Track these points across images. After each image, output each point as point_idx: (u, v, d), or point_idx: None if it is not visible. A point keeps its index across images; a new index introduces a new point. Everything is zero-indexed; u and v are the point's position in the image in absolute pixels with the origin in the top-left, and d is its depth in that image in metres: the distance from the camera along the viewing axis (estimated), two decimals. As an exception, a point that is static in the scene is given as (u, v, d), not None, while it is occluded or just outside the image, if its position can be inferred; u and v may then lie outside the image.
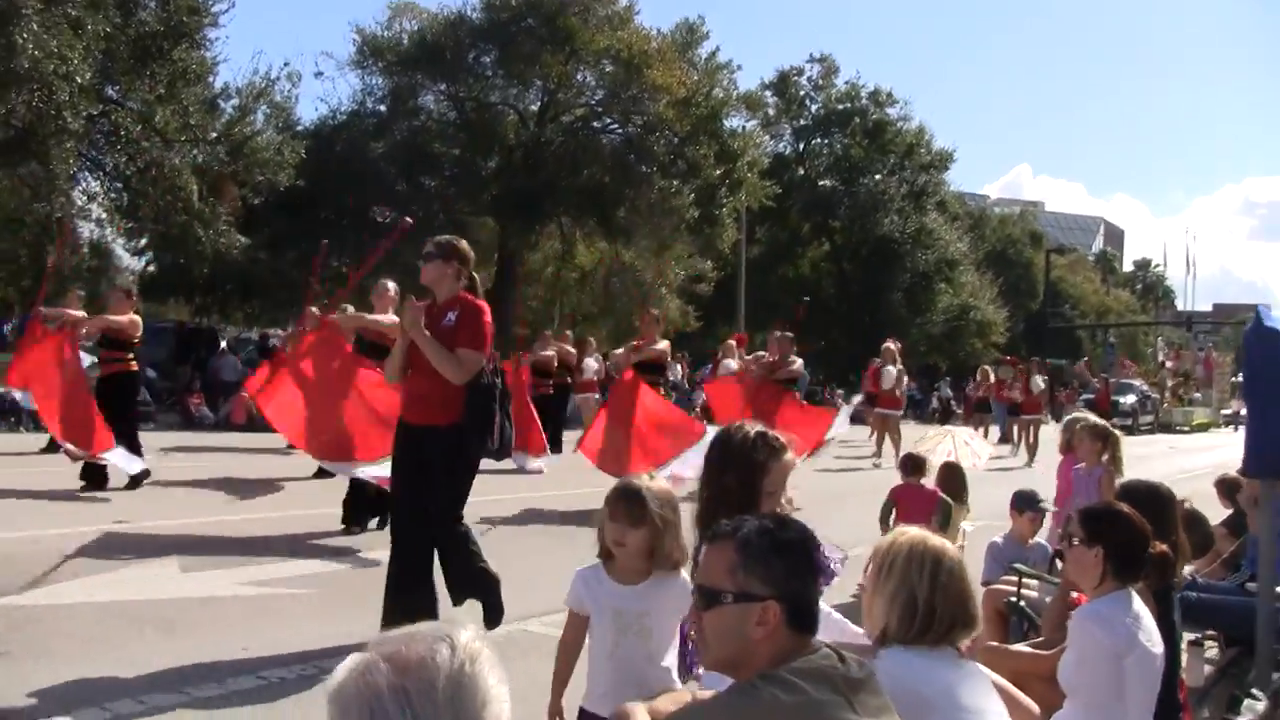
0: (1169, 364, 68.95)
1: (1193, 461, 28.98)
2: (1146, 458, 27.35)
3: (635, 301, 42.35)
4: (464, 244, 7.86)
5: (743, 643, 2.99)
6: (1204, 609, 6.70)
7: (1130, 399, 49.79)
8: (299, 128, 38.06)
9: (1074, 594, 5.96)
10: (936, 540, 3.80)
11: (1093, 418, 9.80)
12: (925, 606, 3.63)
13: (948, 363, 61.58)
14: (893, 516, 9.63)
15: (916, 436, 15.12)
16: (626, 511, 4.48)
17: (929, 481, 10.07)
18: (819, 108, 63.27)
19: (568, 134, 41.21)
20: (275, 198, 32.85)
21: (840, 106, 63.10)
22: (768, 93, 60.72)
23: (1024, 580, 7.11)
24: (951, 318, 62.08)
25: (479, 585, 7.73)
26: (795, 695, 2.81)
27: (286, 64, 37.76)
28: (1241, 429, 34.74)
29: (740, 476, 4.50)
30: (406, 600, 7.25)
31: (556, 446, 22.97)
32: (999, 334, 64.16)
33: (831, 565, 5.21)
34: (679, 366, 42.69)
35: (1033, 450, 27.89)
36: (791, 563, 3.05)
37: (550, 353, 24.27)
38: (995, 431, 32.38)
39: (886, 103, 63.70)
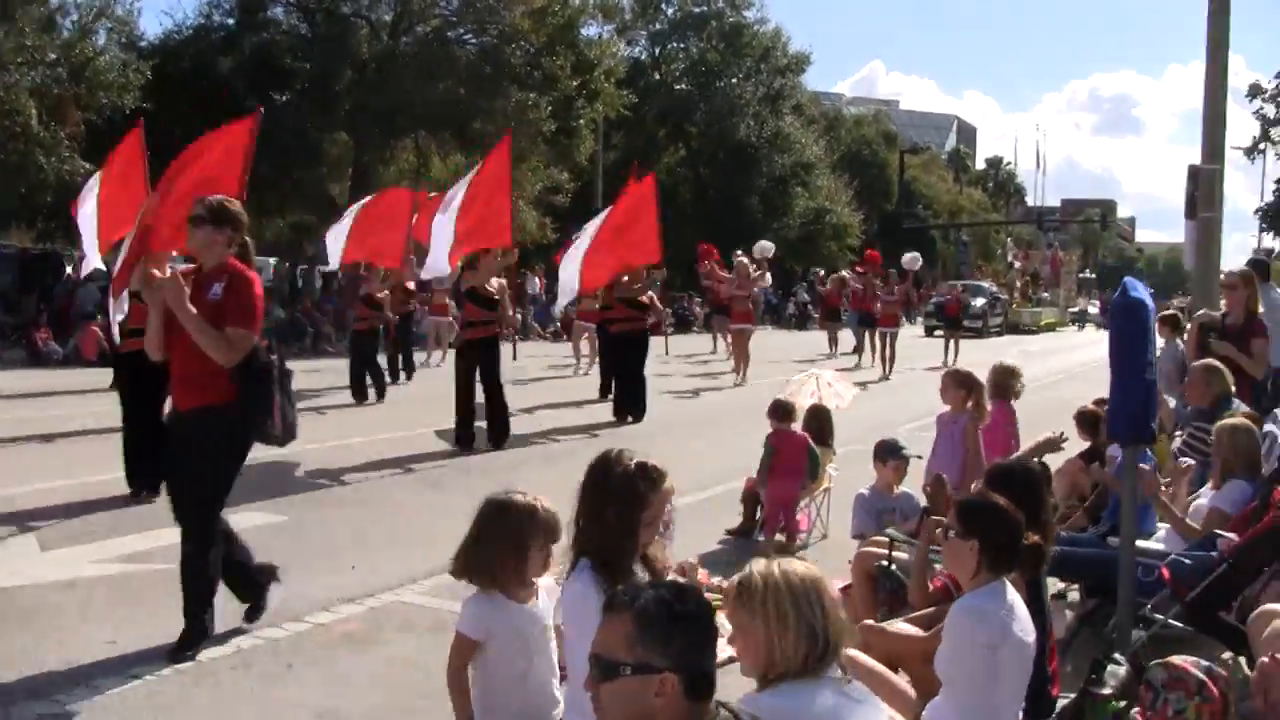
0: (1017, 264, 70.18)
1: (1045, 366, 29.69)
2: (997, 363, 27.62)
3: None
4: (236, 205, 7.13)
5: (641, 713, 3.01)
6: (1066, 561, 6.87)
7: (979, 301, 50.37)
8: (143, 44, 36.92)
9: (934, 555, 6.12)
10: (803, 566, 3.84)
11: (958, 368, 9.97)
12: (823, 635, 3.69)
13: (805, 266, 62.05)
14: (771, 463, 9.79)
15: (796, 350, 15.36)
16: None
17: (798, 426, 10.20)
18: (675, 11, 63.00)
19: (422, 45, 40.30)
20: (120, 119, 31.74)
21: (697, 9, 62.96)
22: (623, -3, 60.33)
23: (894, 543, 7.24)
24: (808, 221, 62.62)
25: (241, 582, 7.37)
26: None
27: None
28: (1088, 326, 36.22)
29: (620, 510, 4.48)
30: (199, 584, 6.96)
31: (409, 371, 23.48)
32: (855, 237, 64.80)
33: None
34: (536, 279, 42.61)
35: (889, 363, 28.05)
36: (689, 635, 3.06)
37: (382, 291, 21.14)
38: (851, 339, 32.66)
39: (743, 5, 63.67)
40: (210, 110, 36.22)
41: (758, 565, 3.82)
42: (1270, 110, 38.49)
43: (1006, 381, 9.61)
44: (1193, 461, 8.01)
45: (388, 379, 20.97)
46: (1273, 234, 40.92)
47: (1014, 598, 4.75)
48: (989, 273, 64.74)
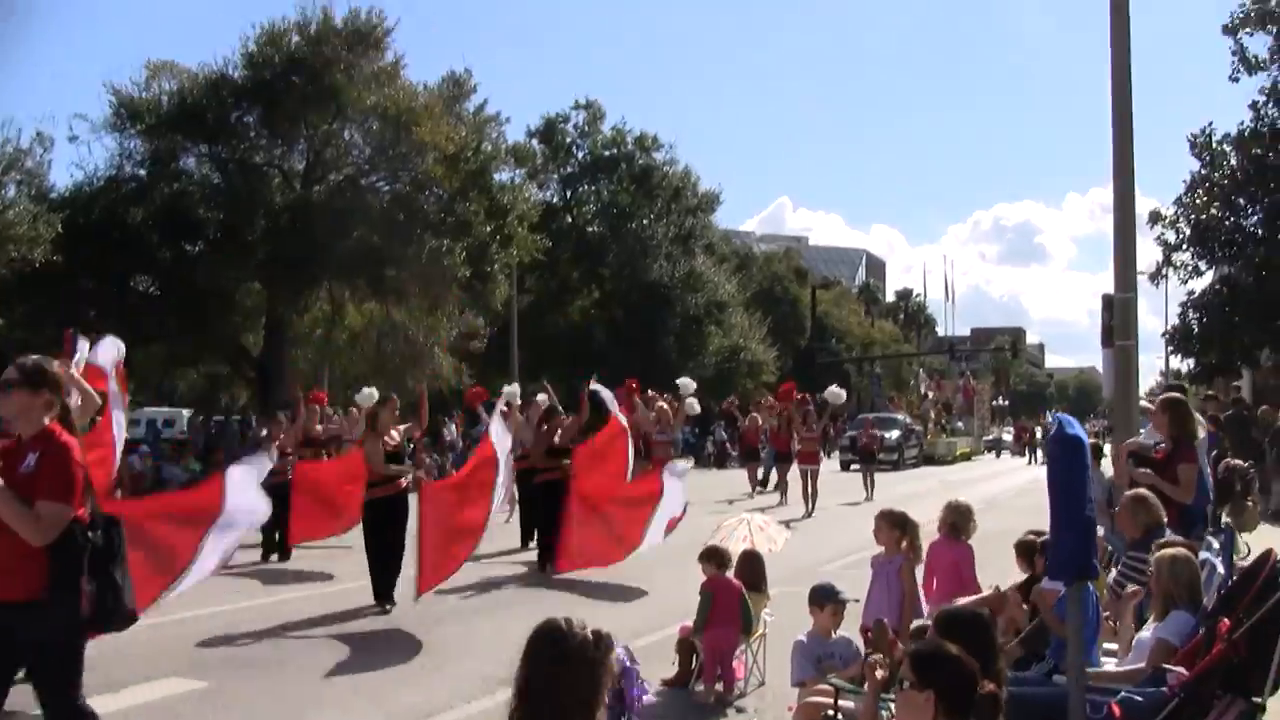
0: (930, 394, 70.65)
1: (967, 496, 29.65)
2: (919, 495, 27.74)
3: (407, 360, 41.92)
4: (55, 367, 6.48)
5: None
6: (1012, 702, 6.78)
7: (894, 433, 50.05)
8: (53, 196, 36.67)
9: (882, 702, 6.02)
10: None
11: (890, 509, 9.92)
12: None
13: (721, 405, 62.26)
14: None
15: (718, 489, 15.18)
16: None
17: (731, 572, 10.08)
18: (586, 155, 63.82)
19: (335, 194, 40.35)
20: (31, 273, 31.36)
21: (607, 152, 63.72)
22: (534, 141, 60.99)
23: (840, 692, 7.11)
24: (723, 360, 62.85)
25: None
26: None
27: (38, 131, 36.18)
28: (1005, 454, 36.41)
29: (581, 682, 4.23)
30: None
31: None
32: (770, 373, 65.13)
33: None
34: (453, 425, 42.35)
35: (811, 499, 27.76)
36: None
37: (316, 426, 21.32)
38: (772, 476, 32.49)
39: (652, 147, 64.59)
40: (122, 261, 36.24)
41: None
42: (1171, 236, 39.31)
43: (959, 520, 9.60)
44: (1139, 588, 7.95)
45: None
46: (1179, 357, 41.56)
47: None
48: (903, 404, 65.02)
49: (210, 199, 39.40)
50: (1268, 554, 6.65)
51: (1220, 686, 6.19)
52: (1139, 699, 6.20)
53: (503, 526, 23.04)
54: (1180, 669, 6.39)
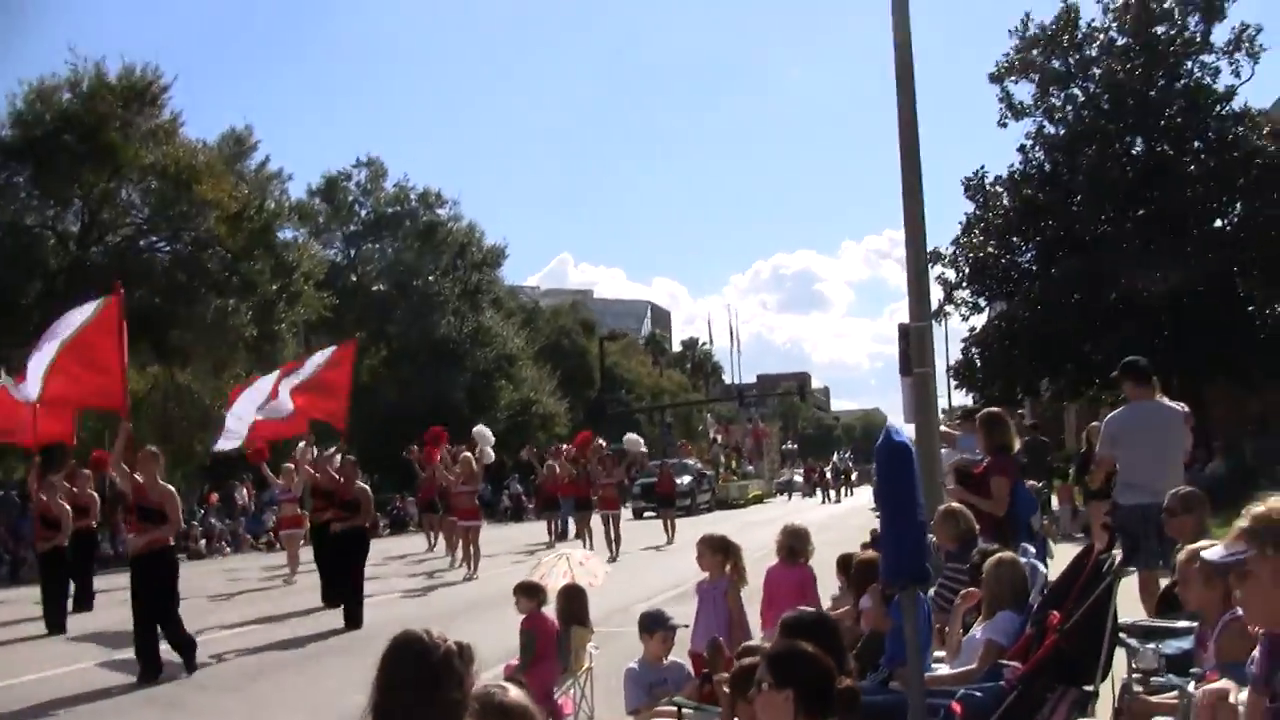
0: (719, 439, 71.38)
1: (770, 533, 30.01)
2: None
3: (194, 424, 40.82)
4: None
5: None
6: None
7: (686, 479, 50.28)
8: None
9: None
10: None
11: (712, 534, 9.98)
12: None
13: (514, 459, 62.07)
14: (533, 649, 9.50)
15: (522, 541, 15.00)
16: None
17: (548, 609, 9.97)
18: (369, 212, 63.40)
19: (114, 255, 39.31)
20: None
21: (390, 210, 63.44)
22: (316, 199, 60.32)
23: (682, 711, 7.10)
24: (515, 413, 62.69)
25: None
26: None
27: None
28: (796, 495, 37.14)
29: (445, 695, 4.01)
30: None
31: (87, 603, 20.22)
32: (562, 425, 65.25)
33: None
34: (243, 489, 41.34)
35: (615, 544, 27.84)
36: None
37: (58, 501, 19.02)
38: (571, 527, 32.50)
39: (436, 203, 64.62)
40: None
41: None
42: (950, 274, 40.58)
43: (796, 544, 9.72)
44: (974, 591, 8.10)
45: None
46: (964, 390, 42.82)
47: None
48: (693, 450, 65.63)
49: (-20, 263, 37.93)
50: (1090, 548, 6.87)
51: (1054, 678, 6.34)
52: (979, 694, 6.30)
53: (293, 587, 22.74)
54: (1015, 664, 6.53)
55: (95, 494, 20.64)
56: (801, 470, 78.67)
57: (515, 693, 4.32)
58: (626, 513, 41.99)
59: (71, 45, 63.18)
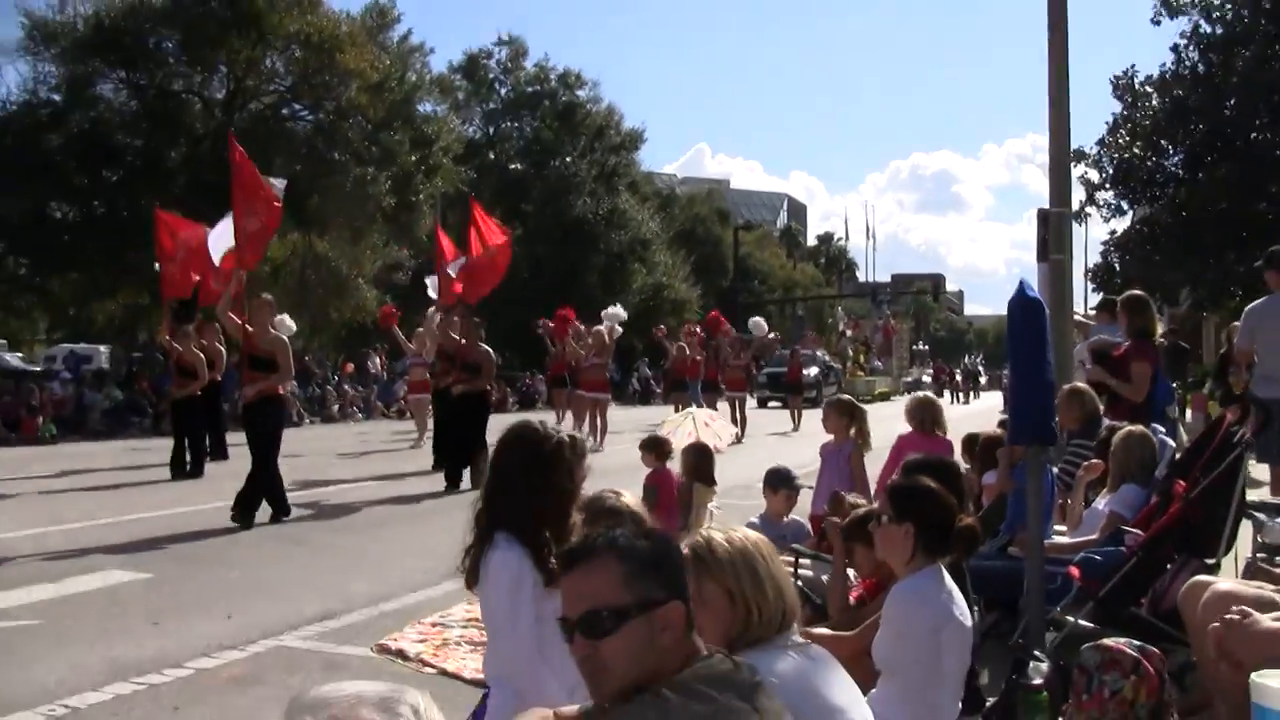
0: (849, 333, 70.72)
1: (891, 429, 29.78)
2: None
3: (330, 292, 41.48)
4: None
5: (655, 656, 2.76)
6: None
7: (813, 371, 49.98)
8: (-36, 121, 35.93)
9: (851, 573, 6.03)
10: (753, 532, 3.72)
11: (841, 395, 9.98)
12: (786, 598, 3.53)
13: (645, 341, 62.30)
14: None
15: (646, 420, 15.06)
16: None
17: (673, 465, 10.03)
18: (509, 91, 63.40)
19: (257, 121, 39.80)
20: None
21: (530, 89, 63.35)
22: (457, 76, 60.37)
23: (800, 560, 7.13)
24: (646, 297, 62.75)
25: None
26: (706, 705, 2.63)
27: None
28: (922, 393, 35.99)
29: (555, 482, 4.31)
30: None
31: (222, 452, 20.54)
32: (693, 312, 65.16)
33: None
34: (376, 358, 42.00)
35: (741, 425, 27.73)
36: (677, 561, 2.91)
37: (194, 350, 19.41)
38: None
39: (576, 85, 64.28)
40: (38, 189, 35.50)
41: (711, 534, 3.67)
42: (1094, 175, 39.65)
43: (926, 414, 9.67)
44: (1098, 462, 7.99)
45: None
46: (1101, 294, 41.98)
47: (950, 582, 4.66)
48: (821, 342, 65.16)
49: (129, 126, 38.75)
50: (1221, 417, 6.74)
51: (1176, 547, 6.25)
52: (1098, 558, 6.25)
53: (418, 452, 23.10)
54: (1137, 531, 6.45)
55: (222, 348, 20.83)
56: (932, 369, 77.88)
57: (628, 497, 4.45)
58: (751, 401, 42.13)
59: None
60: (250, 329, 13.39)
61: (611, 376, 50.98)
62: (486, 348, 18.08)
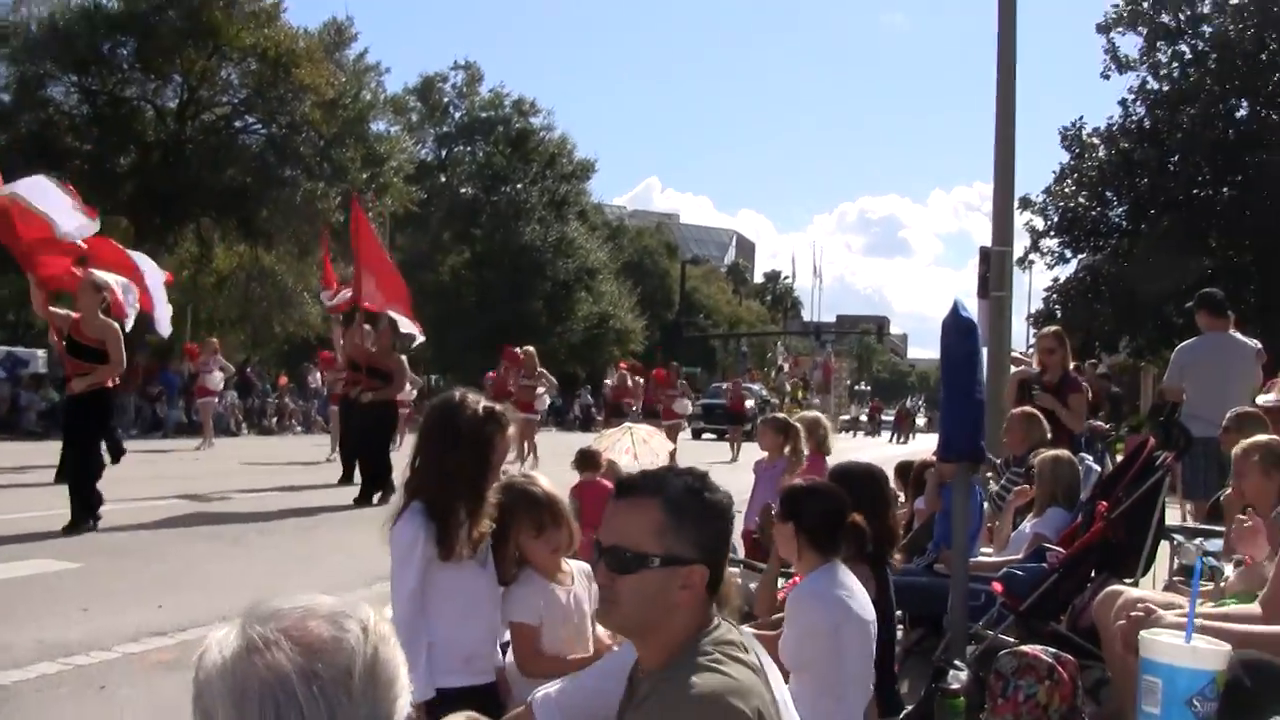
0: (787, 368, 70.79)
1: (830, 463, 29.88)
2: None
3: (274, 305, 41.33)
4: None
5: (663, 609, 2.82)
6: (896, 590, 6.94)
7: (749, 404, 50.19)
8: (-91, 117, 35.65)
9: (781, 580, 6.13)
10: None
11: (776, 414, 10.12)
12: None
13: (588, 370, 62.35)
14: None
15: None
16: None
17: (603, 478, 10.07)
18: (463, 115, 63.40)
19: (209, 132, 39.74)
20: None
21: (484, 114, 63.38)
22: (412, 97, 60.42)
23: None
24: (591, 326, 62.91)
25: None
26: (726, 679, 2.68)
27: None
28: (859, 434, 36.86)
29: (468, 455, 4.38)
30: None
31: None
32: (638, 342, 65.42)
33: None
34: (317, 372, 41.74)
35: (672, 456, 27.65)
36: (718, 525, 2.92)
37: None
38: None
39: (530, 112, 64.42)
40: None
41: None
42: (1039, 222, 40.22)
43: (817, 432, 9.78)
44: (1025, 487, 8.13)
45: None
46: (1052, 327, 42.45)
47: (848, 578, 4.73)
48: (760, 378, 65.31)
49: (78, 129, 38.43)
50: (1146, 440, 6.88)
51: (1096, 566, 6.39)
52: (1019, 574, 6.38)
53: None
54: (1059, 548, 6.58)
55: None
56: (868, 407, 78.33)
57: (545, 483, 4.55)
58: (686, 432, 42.09)
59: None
60: (76, 315, 12.23)
61: (553, 402, 51.08)
62: (401, 356, 17.79)
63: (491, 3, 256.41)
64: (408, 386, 29.33)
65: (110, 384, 12.39)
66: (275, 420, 36.05)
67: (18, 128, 37.01)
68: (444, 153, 63.61)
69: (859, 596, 4.67)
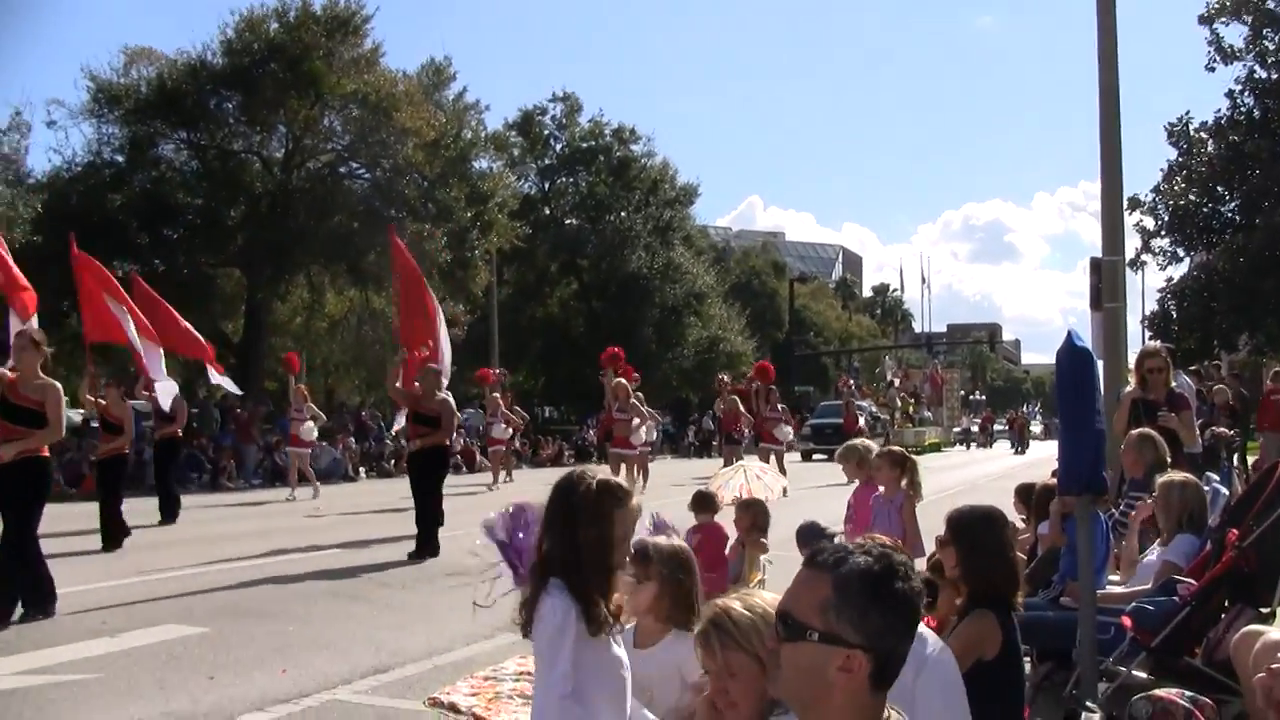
0: (897, 383, 69.78)
1: (941, 481, 29.47)
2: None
3: (387, 348, 41.75)
4: None
5: (819, 685, 2.79)
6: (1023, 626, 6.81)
7: (859, 422, 49.43)
8: (30, 180, 36.52)
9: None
10: (770, 594, 3.72)
11: (893, 447, 9.99)
12: None
13: (700, 394, 62.24)
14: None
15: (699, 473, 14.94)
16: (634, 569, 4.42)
17: (721, 518, 10.00)
18: (563, 146, 63.65)
19: (315, 180, 40.44)
20: (10, 253, 31.06)
21: (584, 144, 63.54)
22: (512, 133, 60.87)
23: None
24: (701, 350, 62.75)
25: None
26: None
27: (17, 112, 36.15)
28: (973, 446, 36.26)
29: (588, 530, 4.31)
30: None
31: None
32: (748, 364, 65.08)
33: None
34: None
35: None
36: (890, 616, 2.83)
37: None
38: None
39: (630, 139, 64.44)
40: (100, 246, 35.92)
41: (729, 604, 3.69)
42: (1149, 222, 39.58)
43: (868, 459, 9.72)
44: (1146, 504, 7.96)
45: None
46: (1159, 342, 41.73)
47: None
48: (870, 393, 64.52)
49: (189, 185, 39.37)
50: (1275, 465, 6.67)
51: (1229, 596, 6.21)
52: (1149, 608, 6.21)
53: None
54: (1190, 580, 6.41)
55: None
56: (978, 420, 77.06)
57: (672, 542, 4.50)
58: (795, 455, 41.70)
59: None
60: (12, 374, 10.94)
61: (666, 429, 51.06)
62: (446, 398, 16.44)
63: (585, 31, 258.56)
64: (502, 424, 29.72)
65: (44, 451, 10.95)
66: (393, 463, 36.29)
67: (132, 187, 37.91)
68: (547, 185, 63.86)
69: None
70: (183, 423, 21.44)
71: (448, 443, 17.23)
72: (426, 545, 15.28)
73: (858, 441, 10.39)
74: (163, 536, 17.90)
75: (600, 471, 4.49)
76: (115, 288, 18.06)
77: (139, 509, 19.07)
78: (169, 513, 20.08)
